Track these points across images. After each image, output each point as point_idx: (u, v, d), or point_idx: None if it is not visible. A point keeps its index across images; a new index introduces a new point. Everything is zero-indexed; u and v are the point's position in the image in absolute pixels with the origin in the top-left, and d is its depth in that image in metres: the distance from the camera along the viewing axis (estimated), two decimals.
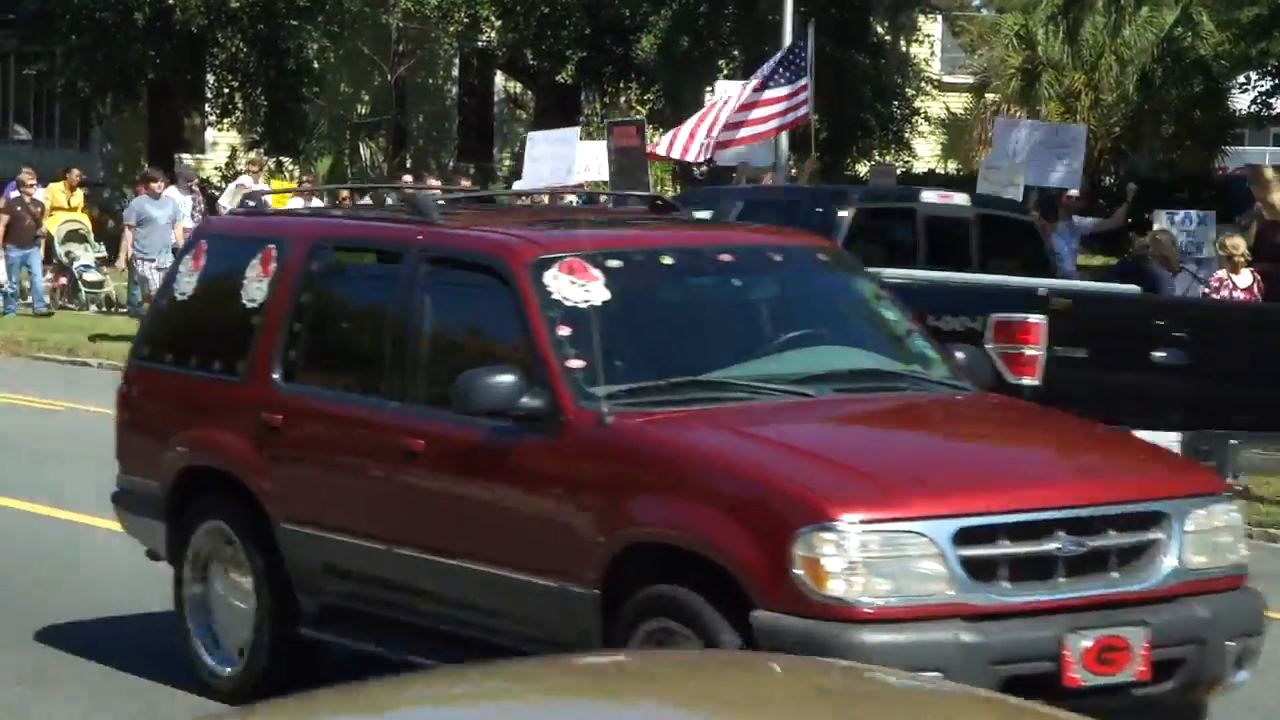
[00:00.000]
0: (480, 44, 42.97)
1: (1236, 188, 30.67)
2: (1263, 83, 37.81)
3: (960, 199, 16.15)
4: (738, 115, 21.15)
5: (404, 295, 8.04)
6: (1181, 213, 21.44)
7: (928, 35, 41.19)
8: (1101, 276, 18.26)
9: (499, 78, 45.19)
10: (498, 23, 40.66)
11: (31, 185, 27.60)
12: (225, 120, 40.12)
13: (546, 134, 25.75)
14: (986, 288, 13.27)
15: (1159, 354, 12.41)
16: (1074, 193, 21.50)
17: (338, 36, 38.49)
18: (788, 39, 26.55)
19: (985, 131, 43.26)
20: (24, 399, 18.85)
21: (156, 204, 24.44)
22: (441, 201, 9.78)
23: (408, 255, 8.16)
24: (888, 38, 37.15)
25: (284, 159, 39.37)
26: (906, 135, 39.54)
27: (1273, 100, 37.94)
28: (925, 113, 40.97)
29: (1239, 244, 16.37)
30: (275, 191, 25.72)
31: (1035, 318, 11.91)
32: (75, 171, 30.39)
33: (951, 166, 42.71)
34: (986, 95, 42.99)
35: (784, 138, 27.23)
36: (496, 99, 45.81)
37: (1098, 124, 34.17)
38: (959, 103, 46.28)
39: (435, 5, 38.38)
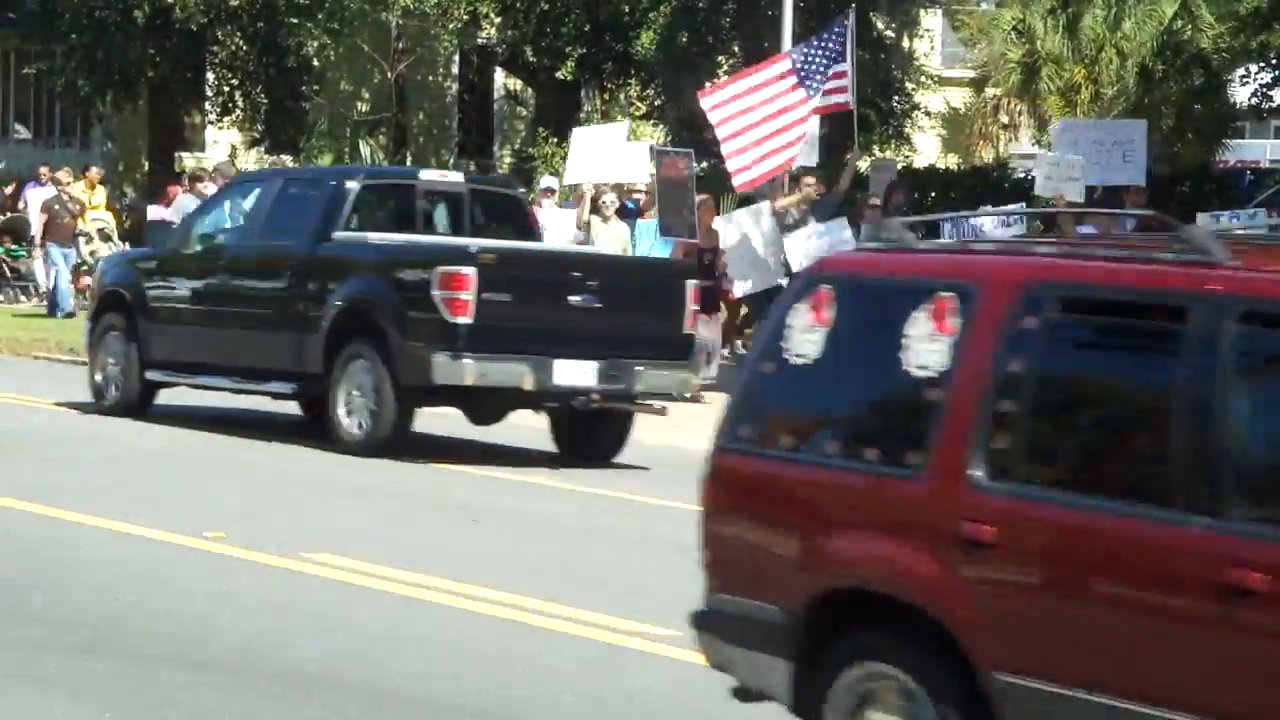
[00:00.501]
0: (480, 41, 42.95)
1: (1237, 180, 30.66)
2: (1263, 75, 37.74)
3: (455, 176, 20.06)
4: (785, 117, 20.71)
5: (1198, 366, 5.81)
6: (1227, 214, 21.20)
7: (927, 30, 41.15)
8: None
9: (499, 75, 45.19)
10: (497, 19, 40.64)
11: (69, 183, 27.52)
12: (225, 118, 40.13)
13: (591, 130, 25.69)
14: (432, 246, 16.44)
15: (575, 298, 15.53)
16: (1139, 187, 21.19)
17: (338, 34, 38.49)
18: (788, 34, 26.46)
19: (985, 125, 43.25)
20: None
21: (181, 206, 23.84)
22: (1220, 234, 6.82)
23: (1198, 310, 5.87)
24: (888, 32, 37.10)
25: (285, 157, 39.39)
26: (907, 130, 39.52)
27: (1273, 93, 37.88)
28: (925, 107, 40.95)
29: None
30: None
31: (466, 269, 15.07)
32: (95, 169, 30.38)
33: (952, 160, 42.69)
34: (986, 89, 42.96)
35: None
36: (496, 96, 45.82)
37: (1098, 117, 34.17)
38: (959, 97, 46.25)
39: (435, 3, 38.35)
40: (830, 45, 21.04)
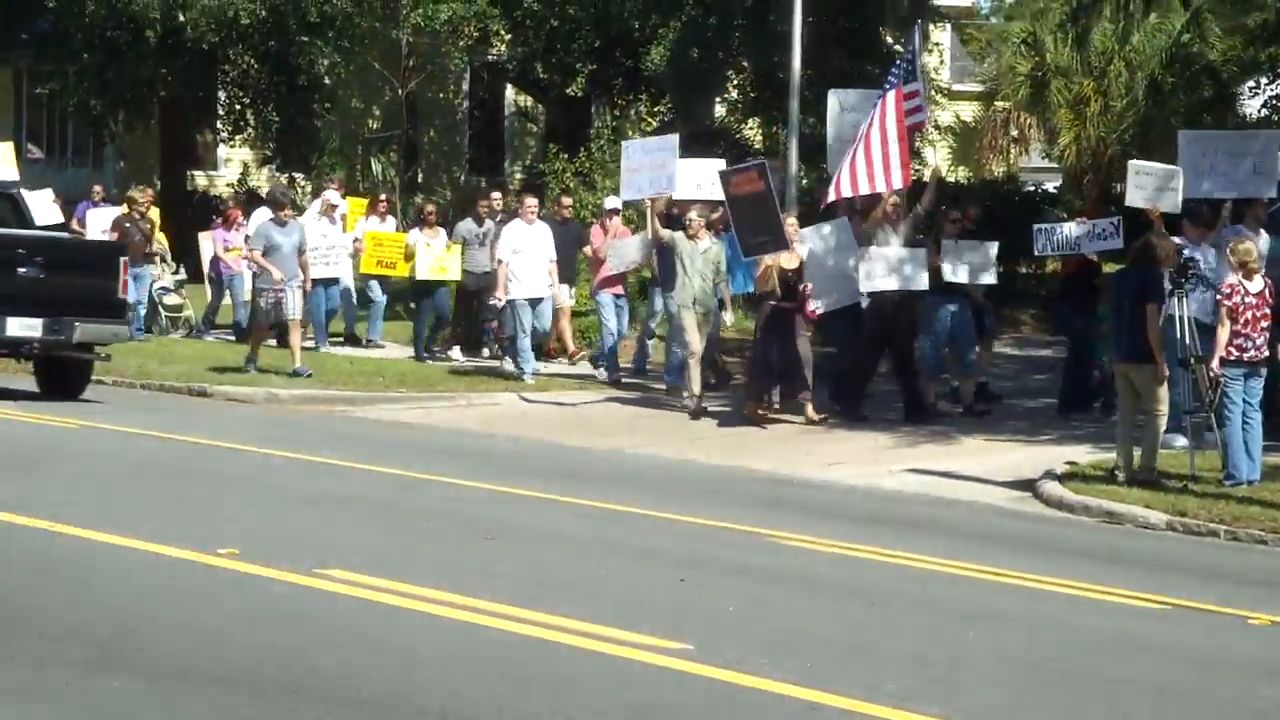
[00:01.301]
0: (490, 58, 43.04)
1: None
2: (1273, 87, 37.76)
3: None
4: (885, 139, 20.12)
5: None
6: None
7: (936, 44, 41.24)
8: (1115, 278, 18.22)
9: (509, 91, 45.26)
10: (507, 36, 40.72)
11: (145, 202, 27.31)
12: (237, 137, 40.21)
13: (643, 143, 25.13)
14: None
15: (22, 270, 19.56)
16: (1269, 197, 20.50)
17: (348, 52, 38.56)
18: (797, 50, 26.61)
19: (995, 138, 43.32)
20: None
21: (283, 231, 22.85)
22: None
23: None
24: (897, 47, 37.12)
25: (296, 174, 39.47)
26: (916, 143, 39.53)
27: None
28: (935, 121, 41.00)
29: (1251, 250, 16.38)
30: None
31: None
32: (148, 190, 29.96)
33: (962, 173, 42.72)
34: (996, 103, 42.98)
35: (795, 150, 27.32)
36: (507, 112, 45.89)
37: (1107, 130, 34.18)
38: (969, 110, 46.29)
39: (445, 20, 38.44)
40: (903, 65, 20.82)
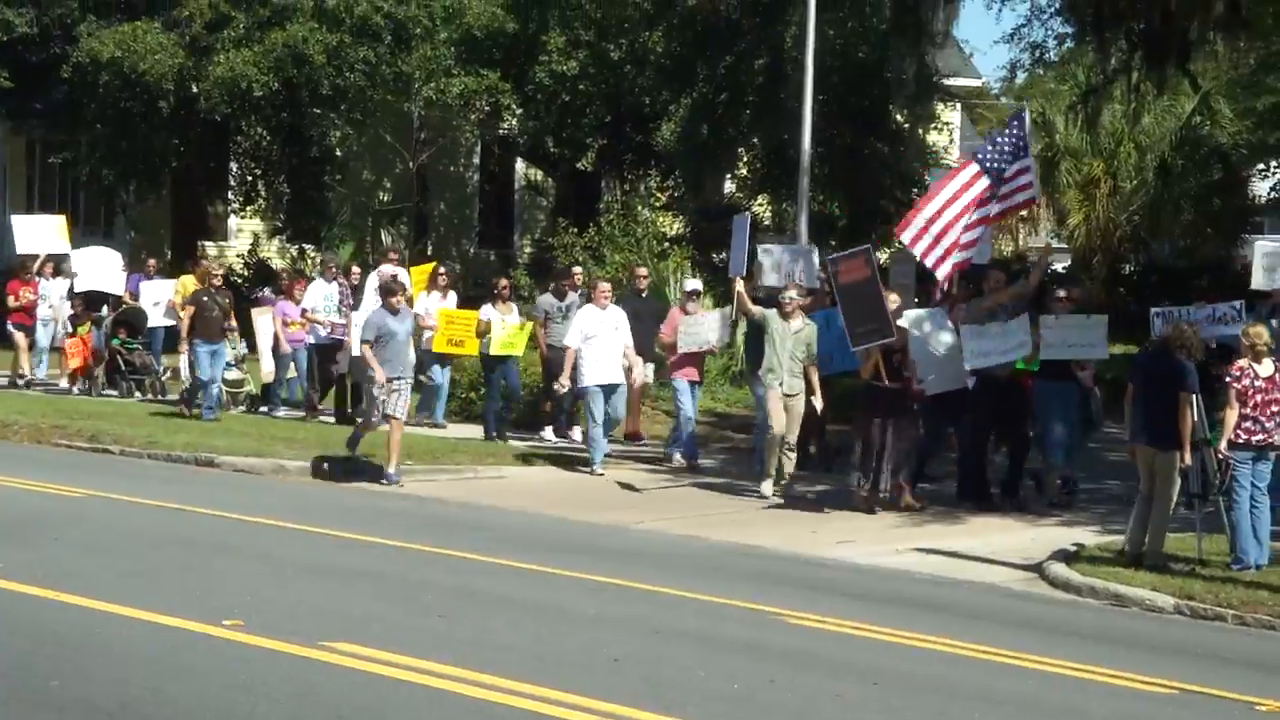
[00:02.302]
0: (501, 132, 43.26)
1: None
2: None
3: None
4: (967, 215, 19.84)
5: None
6: (1178, 309, 20.78)
7: (947, 123, 41.38)
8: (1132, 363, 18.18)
9: (519, 165, 45.48)
10: (518, 111, 40.94)
11: (219, 274, 26.30)
12: (248, 208, 40.37)
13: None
14: None
15: None
16: None
17: (360, 124, 38.78)
18: (807, 127, 26.71)
19: (1005, 218, 43.42)
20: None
21: (397, 319, 20.99)
22: None
23: None
24: (907, 125, 37.30)
25: (306, 246, 39.60)
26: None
27: None
28: None
29: (1262, 333, 16.37)
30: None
31: None
32: (206, 262, 29.35)
33: None
34: None
35: (804, 226, 27.37)
36: (517, 186, 46.09)
37: (1116, 212, 34.31)
38: None
39: (457, 94, 38.67)
40: (1010, 142, 20.33)
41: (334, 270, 26.39)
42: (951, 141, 43.68)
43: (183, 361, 25.77)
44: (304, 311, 25.62)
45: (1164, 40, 25.80)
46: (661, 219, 38.29)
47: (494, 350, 24.62)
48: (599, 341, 21.81)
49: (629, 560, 15.84)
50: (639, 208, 36.04)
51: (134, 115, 36.31)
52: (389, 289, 21.30)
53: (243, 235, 42.30)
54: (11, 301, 29.58)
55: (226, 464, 21.44)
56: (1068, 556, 16.61)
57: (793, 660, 11.73)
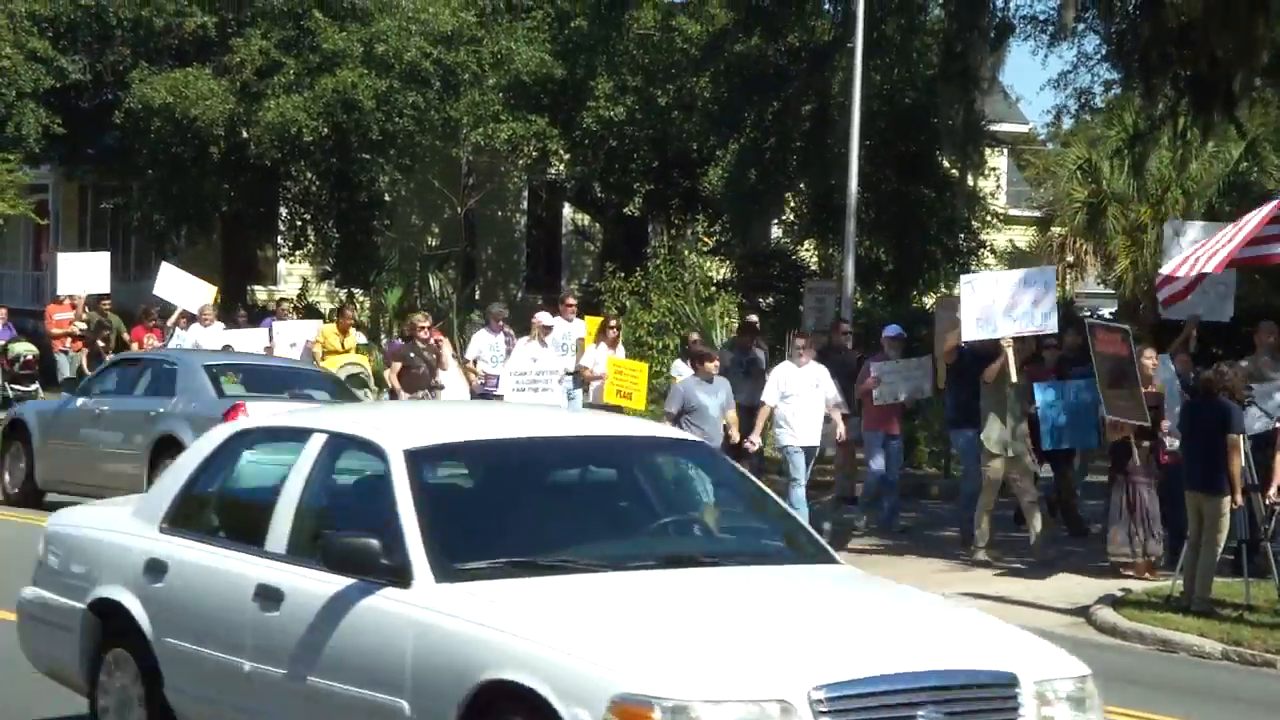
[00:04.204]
0: (549, 177, 43.48)
1: None
2: None
3: None
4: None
5: None
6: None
7: (993, 169, 41.40)
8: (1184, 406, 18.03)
9: (567, 209, 45.65)
10: (566, 156, 41.15)
11: (425, 326, 24.08)
12: (297, 252, 40.63)
13: (1002, 275, 21.37)
14: None
15: None
16: None
17: (409, 169, 39.01)
18: (854, 173, 26.78)
19: (1051, 264, 43.33)
20: None
21: (709, 389, 18.74)
22: None
23: None
24: (954, 171, 37.35)
25: (355, 290, 39.81)
26: (973, 268, 39.62)
27: None
28: (991, 245, 41.12)
29: None
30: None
31: None
32: (348, 313, 28.29)
33: None
34: (1052, 228, 43.09)
35: (851, 271, 27.39)
36: (564, 231, 46.26)
37: (1163, 258, 34.19)
38: (1024, 236, 46.39)
39: (505, 139, 38.88)
40: None
41: (500, 321, 25.04)
42: (999, 187, 43.72)
43: None
44: (471, 361, 24.43)
45: (1211, 87, 25.75)
46: (708, 264, 38.38)
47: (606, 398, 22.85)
48: (799, 400, 19.79)
49: None
50: (686, 253, 36.14)
51: (185, 160, 36.60)
52: (702, 354, 18.93)
53: (292, 279, 42.54)
54: (135, 349, 28.42)
55: None
56: (1115, 601, 16.58)
57: None
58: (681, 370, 22.89)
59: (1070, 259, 42.10)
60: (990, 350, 19.21)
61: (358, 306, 37.02)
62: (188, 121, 35.18)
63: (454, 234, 42.96)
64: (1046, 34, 30.43)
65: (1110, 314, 40.68)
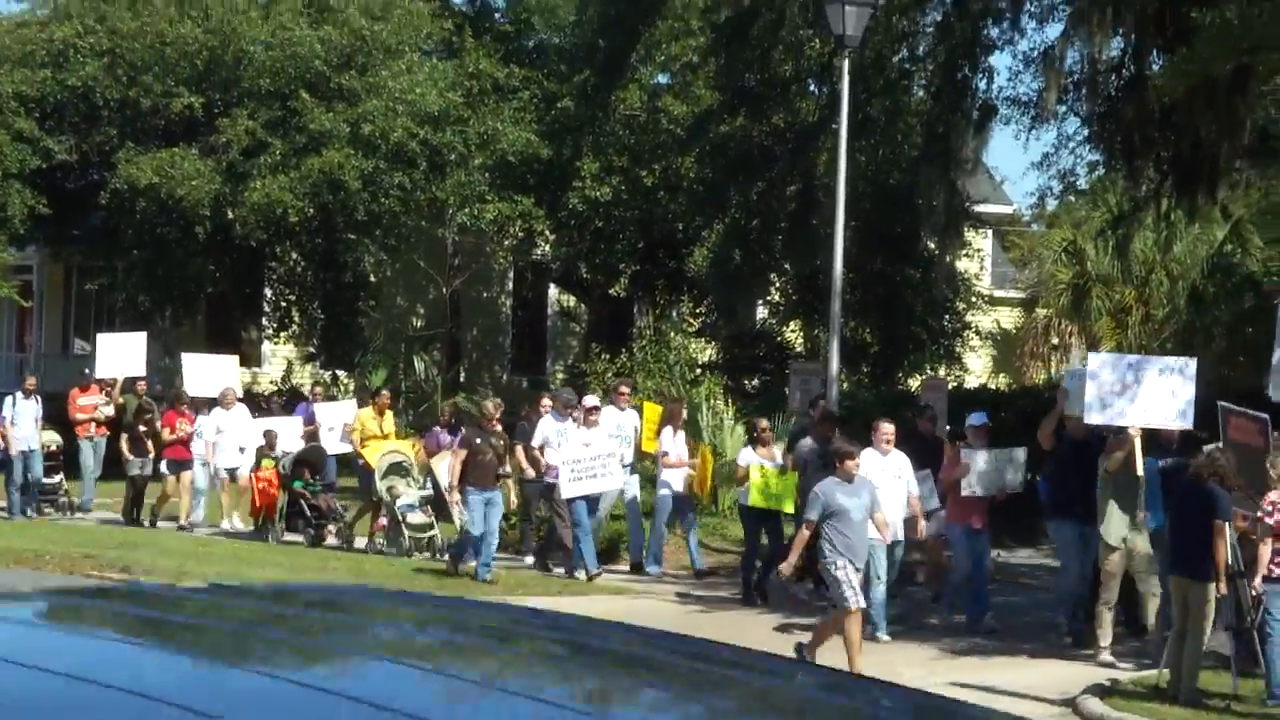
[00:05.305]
0: (534, 257, 43.52)
1: None
2: None
3: None
4: None
5: None
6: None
7: (978, 250, 41.51)
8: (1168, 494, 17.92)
9: (552, 290, 45.69)
10: (552, 236, 41.21)
11: (496, 413, 23.14)
12: (282, 333, 40.57)
13: (1138, 360, 19.82)
14: None
15: None
16: None
17: (394, 250, 39.04)
18: (839, 253, 26.75)
19: (1036, 345, 43.43)
20: None
21: (849, 490, 16.85)
22: None
23: None
24: (938, 252, 37.45)
25: (339, 372, 39.74)
26: (958, 349, 39.66)
27: None
28: (976, 327, 41.16)
29: None
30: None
31: None
32: (384, 394, 27.91)
33: (1002, 380, 42.82)
34: (1037, 310, 43.15)
35: (836, 352, 27.34)
36: (550, 311, 46.27)
37: (1148, 339, 34.26)
38: (1009, 318, 46.45)
39: (490, 219, 38.94)
40: None
41: (567, 408, 24.14)
42: (983, 268, 43.82)
43: (455, 511, 23.16)
44: (537, 447, 23.70)
45: (1194, 168, 25.88)
46: (693, 345, 38.40)
47: (753, 501, 21.68)
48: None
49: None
50: (671, 334, 36.16)
51: (170, 241, 36.58)
52: (844, 453, 17.13)
53: (276, 360, 42.49)
54: (167, 435, 28.13)
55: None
56: (1102, 691, 16.47)
57: None
58: (748, 456, 22.00)
59: (1055, 340, 42.19)
60: (1090, 438, 18.57)
61: (342, 389, 36.90)
62: (173, 201, 35.19)
63: (439, 314, 42.96)
64: (1028, 116, 30.58)
65: None
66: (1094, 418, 18.34)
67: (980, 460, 19.96)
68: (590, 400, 23.92)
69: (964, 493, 19.92)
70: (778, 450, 22.25)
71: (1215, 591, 15.87)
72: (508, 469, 22.84)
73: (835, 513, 16.51)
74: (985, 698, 16.39)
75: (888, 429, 19.68)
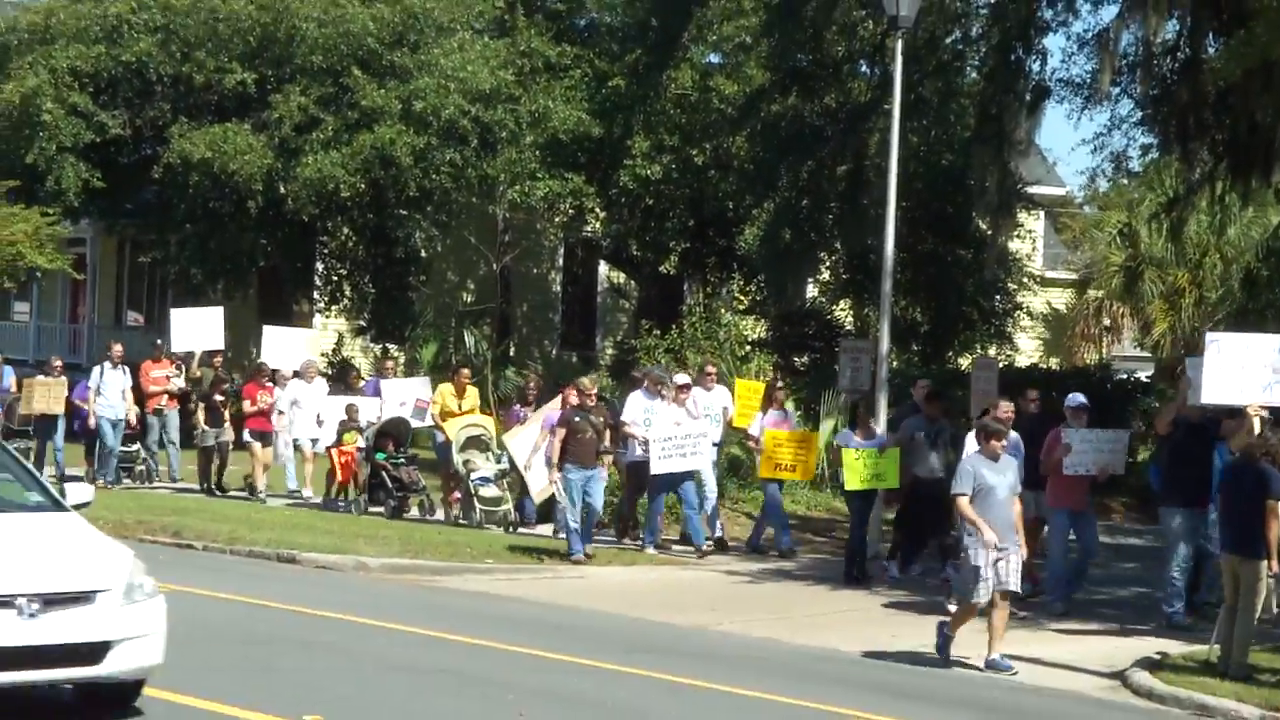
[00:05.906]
0: (585, 234, 43.57)
1: None
2: None
3: None
4: None
5: None
6: None
7: (1030, 231, 41.37)
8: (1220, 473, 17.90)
9: (602, 267, 45.74)
10: (602, 214, 41.26)
11: (592, 391, 22.97)
12: (333, 307, 40.71)
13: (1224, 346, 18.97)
14: None
15: None
16: None
17: (445, 226, 39.13)
18: (890, 233, 26.74)
19: (1087, 327, 43.29)
20: None
21: (996, 468, 16.38)
22: None
23: None
24: (989, 233, 37.34)
25: (390, 345, 39.88)
26: (1009, 329, 39.57)
27: None
28: (1027, 307, 41.05)
29: None
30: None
31: None
32: (465, 371, 27.60)
33: (1054, 362, 42.70)
34: (1089, 291, 42.99)
35: (886, 332, 27.30)
36: (600, 288, 46.32)
37: (1201, 322, 34.10)
38: (1061, 298, 46.30)
39: (541, 196, 39.01)
40: None
41: (657, 385, 23.91)
42: (1035, 249, 43.69)
43: (557, 489, 22.80)
44: (620, 425, 23.50)
45: (1249, 151, 25.72)
46: (744, 322, 38.38)
47: (849, 484, 21.86)
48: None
49: (693, 660, 15.80)
50: (721, 311, 36.15)
51: (223, 215, 36.74)
52: (991, 430, 16.66)
53: (327, 334, 42.63)
54: (248, 406, 28.38)
55: (308, 560, 21.54)
56: (1152, 665, 16.45)
57: None
58: (845, 438, 22.13)
59: (1107, 322, 42.04)
60: (1204, 421, 18.38)
61: (394, 362, 37.04)
62: (226, 176, 35.33)
63: (489, 290, 43.06)
64: (1081, 97, 30.39)
65: (1147, 377, 40.58)
66: (1212, 397, 17.89)
67: (1079, 439, 19.81)
68: (679, 379, 23.80)
69: (1066, 472, 19.73)
70: (878, 431, 22.29)
71: (1267, 569, 15.86)
72: (607, 445, 22.65)
73: (980, 489, 16.15)
74: (1033, 670, 16.41)
75: (1006, 407, 19.87)
